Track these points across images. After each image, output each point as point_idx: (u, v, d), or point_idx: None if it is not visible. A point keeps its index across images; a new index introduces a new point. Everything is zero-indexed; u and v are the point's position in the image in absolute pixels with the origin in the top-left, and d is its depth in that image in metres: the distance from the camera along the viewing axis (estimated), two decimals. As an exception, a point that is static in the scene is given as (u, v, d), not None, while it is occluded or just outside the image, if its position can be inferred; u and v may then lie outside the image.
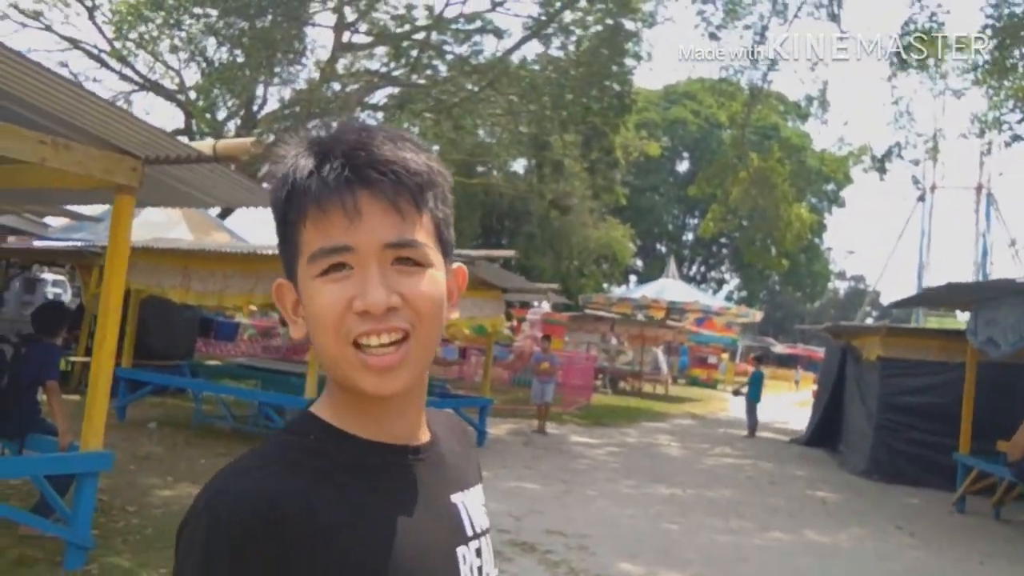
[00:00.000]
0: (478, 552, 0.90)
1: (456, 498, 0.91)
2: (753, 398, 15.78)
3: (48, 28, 19.39)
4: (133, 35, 12.53)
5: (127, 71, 19.91)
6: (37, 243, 11.24)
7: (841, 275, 74.66)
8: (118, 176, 4.45)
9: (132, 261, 9.85)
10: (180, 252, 9.30)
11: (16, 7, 18.95)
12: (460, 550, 0.87)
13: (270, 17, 12.56)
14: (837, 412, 14.11)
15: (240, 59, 12.51)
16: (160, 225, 12.91)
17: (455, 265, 0.91)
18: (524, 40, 18.61)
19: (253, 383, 10.83)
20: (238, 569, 0.74)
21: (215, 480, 0.80)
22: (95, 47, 19.12)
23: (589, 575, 5.39)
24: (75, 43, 19.07)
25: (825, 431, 14.50)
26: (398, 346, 0.81)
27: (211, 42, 13.61)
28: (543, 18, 18.12)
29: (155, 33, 12.27)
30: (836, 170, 27.57)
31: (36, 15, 19.05)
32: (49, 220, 14.37)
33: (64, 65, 20.73)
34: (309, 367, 8.54)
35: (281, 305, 0.88)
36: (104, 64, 20.22)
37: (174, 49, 13.26)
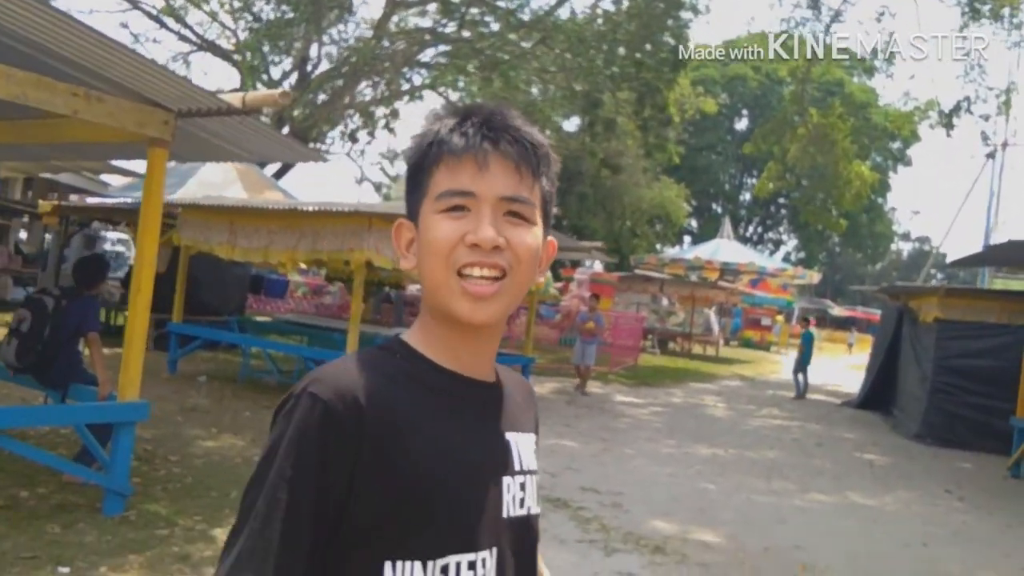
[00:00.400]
0: (522, 486, 1.01)
1: (509, 436, 1.01)
2: (803, 360, 15.48)
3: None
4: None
5: (185, 32, 20.15)
6: (91, 200, 11.51)
7: (905, 236, 72.33)
8: (150, 129, 4.48)
9: (182, 218, 10.12)
10: (227, 209, 9.42)
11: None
12: (506, 479, 0.98)
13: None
14: (892, 375, 13.77)
15: (289, 15, 12.47)
16: (216, 185, 13.14)
17: (548, 238, 1.03)
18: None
19: (299, 339, 11.01)
20: (326, 442, 0.87)
21: (314, 372, 0.93)
22: (153, 7, 19.34)
23: (620, 532, 5.36)
24: (134, 3, 19.32)
25: (879, 394, 14.17)
26: (494, 281, 0.93)
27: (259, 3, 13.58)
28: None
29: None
30: (902, 126, 26.40)
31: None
32: (109, 179, 14.74)
33: (124, 26, 21.17)
34: (351, 323, 8.61)
35: (397, 241, 1.01)
36: (163, 24, 20.46)
37: (222, 4, 13.28)
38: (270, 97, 4.20)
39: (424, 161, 0.97)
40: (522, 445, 1.03)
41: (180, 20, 20.02)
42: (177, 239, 10.02)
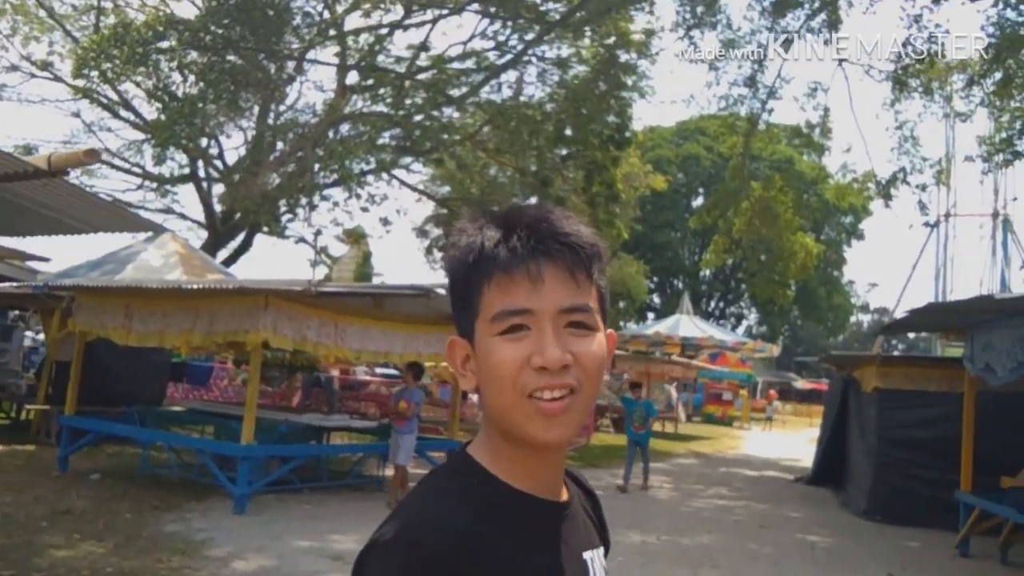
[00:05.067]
0: None
1: (587, 555, 0.99)
2: (635, 439, 11.65)
3: (57, 78, 19.48)
4: (95, 73, 12.24)
5: (137, 120, 19.95)
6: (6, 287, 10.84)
7: (864, 308, 73.28)
8: (-51, 198, 4.01)
9: (77, 302, 9.52)
10: (121, 290, 8.87)
11: (28, 59, 19.14)
12: None
13: (235, 55, 12.27)
14: (842, 448, 13.30)
15: (209, 95, 12.20)
16: (156, 270, 12.60)
17: (608, 332, 0.97)
18: (503, 68, 18.30)
19: (209, 429, 10.30)
20: None
21: (401, 512, 0.89)
22: (104, 96, 19.14)
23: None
24: (85, 92, 19.08)
25: (830, 468, 13.65)
26: (564, 399, 0.90)
27: (177, 81, 13.33)
28: (523, 47, 17.84)
29: (118, 70, 11.96)
30: (842, 199, 26.54)
31: (45, 65, 19.18)
32: (40, 266, 14.10)
33: (76, 115, 20.93)
34: (246, 410, 8.00)
35: (452, 360, 0.97)
36: (114, 114, 20.26)
37: (138, 85, 12.97)
38: (75, 156, 3.75)
39: (471, 277, 0.93)
40: (596, 563, 1.01)
41: (130, 107, 19.89)
42: (73, 325, 9.42)
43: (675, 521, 9.44)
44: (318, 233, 18.47)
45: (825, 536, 9.21)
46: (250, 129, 18.79)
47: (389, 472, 9.60)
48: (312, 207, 15.01)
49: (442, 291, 9.44)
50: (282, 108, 18.92)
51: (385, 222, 18.94)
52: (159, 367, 12.86)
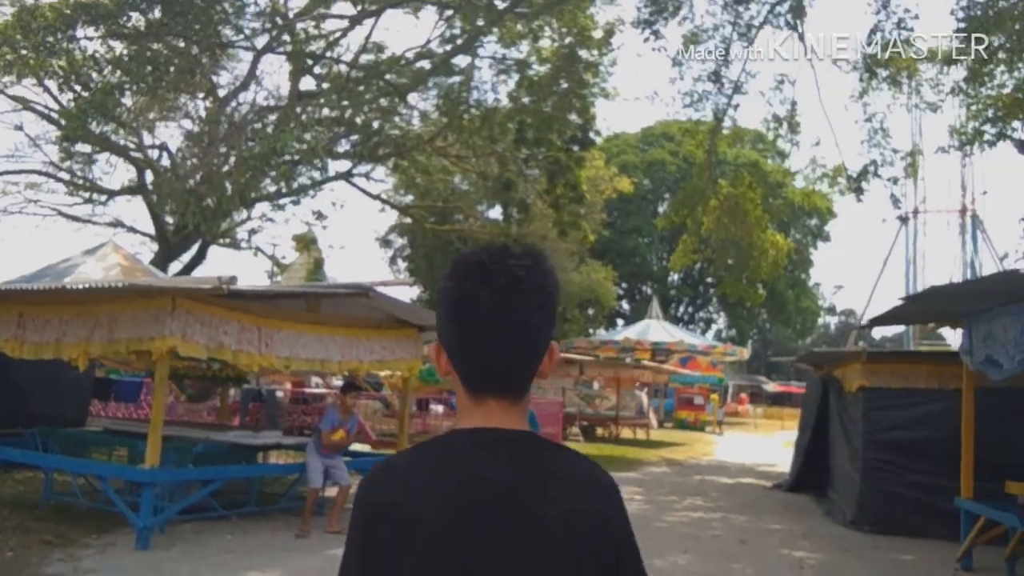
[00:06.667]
0: None
1: None
2: None
3: (-2, 91, 17.98)
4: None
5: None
6: None
7: (831, 310, 73.45)
8: None
9: (-30, 313, 8.33)
10: (15, 296, 7.76)
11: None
12: None
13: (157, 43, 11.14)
14: (823, 452, 12.49)
15: (127, 84, 11.06)
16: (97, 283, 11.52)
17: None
18: (454, 53, 17.32)
19: (123, 451, 9.17)
20: None
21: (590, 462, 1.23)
22: (45, 107, 17.77)
23: None
24: (25, 103, 17.67)
25: (811, 474, 12.84)
26: None
27: (91, 70, 12.10)
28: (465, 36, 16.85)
29: (28, 59, 10.75)
30: (815, 201, 26.09)
31: (-24, 78, 17.69)
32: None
33: (19, 128, 19.32)
34: (151, 429, 6.93)
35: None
36: (58, 125, 18.81)
37: (51, 76, 11.80)
38: None
39: None
40: None
41: (73, 118, 18.56)
42: (-36, 339, 8.27)
43: (647, 539, 8.48)
44: (253, 232, 17.30)
45: (812, 551, 8.33)
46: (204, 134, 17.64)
47: (331, 493, 8.58)
48: (246, 205, 13.89)
49: (382, 290, 8.49)
50: (235, 116, 17.82)
51: (320, 216, 17.77)
52: (78, 384, 11.67)
